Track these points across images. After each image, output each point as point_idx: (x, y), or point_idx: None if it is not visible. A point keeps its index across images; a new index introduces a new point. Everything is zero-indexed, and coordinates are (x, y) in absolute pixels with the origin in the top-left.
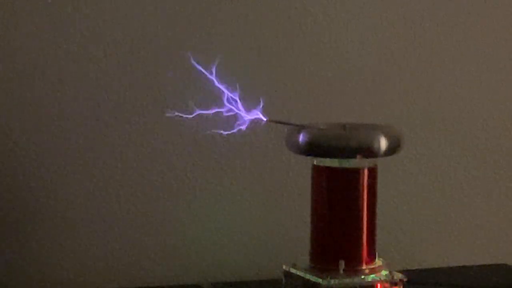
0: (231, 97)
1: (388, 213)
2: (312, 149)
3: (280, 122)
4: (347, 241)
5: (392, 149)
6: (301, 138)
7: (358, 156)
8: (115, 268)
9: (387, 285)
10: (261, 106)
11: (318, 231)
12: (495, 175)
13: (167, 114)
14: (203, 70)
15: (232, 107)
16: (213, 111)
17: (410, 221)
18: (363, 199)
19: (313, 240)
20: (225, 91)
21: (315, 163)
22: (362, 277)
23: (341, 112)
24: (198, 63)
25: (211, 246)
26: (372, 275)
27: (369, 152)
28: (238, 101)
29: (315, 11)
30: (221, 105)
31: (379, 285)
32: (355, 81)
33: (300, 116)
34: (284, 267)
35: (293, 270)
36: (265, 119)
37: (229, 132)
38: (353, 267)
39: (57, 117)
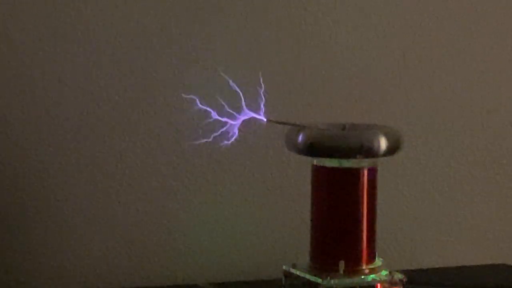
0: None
1: (388, 213)
2: (312, 149)
3: (280, 122)
4: (347, 241)
5: (392, 149)
6: (301, 138)
7: (358, 156)
8: (115, 268)
9: (387, 285)
10: (261, 106)
11: (318, 231)
12: (495, 175)
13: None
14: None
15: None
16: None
17: (410, 221)
18: (363, 199)
19: (313, 240)
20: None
21: (315, 163)
22: (362, 277)
23: (341, 112)
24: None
25: (211, 246)
26: (372, 275)
27: (369, 152)
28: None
29: (315, 11)
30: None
31: (379, 285)
32: (355, 81)
33: (300, 116)
34: (284, 267)
35: (293, 270)
36: (265, 119)
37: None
38: (353, 267)
39: (57, 117)
